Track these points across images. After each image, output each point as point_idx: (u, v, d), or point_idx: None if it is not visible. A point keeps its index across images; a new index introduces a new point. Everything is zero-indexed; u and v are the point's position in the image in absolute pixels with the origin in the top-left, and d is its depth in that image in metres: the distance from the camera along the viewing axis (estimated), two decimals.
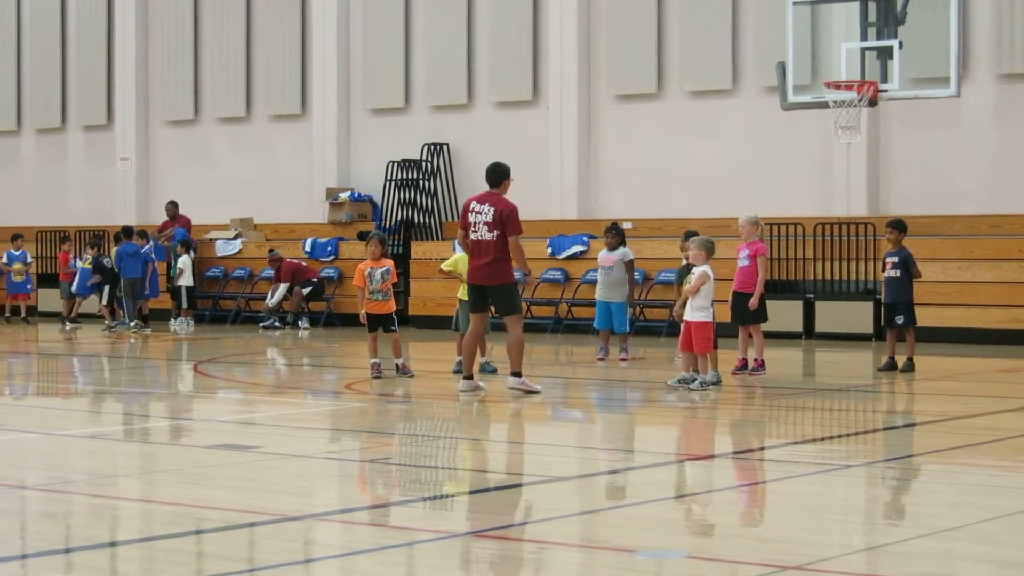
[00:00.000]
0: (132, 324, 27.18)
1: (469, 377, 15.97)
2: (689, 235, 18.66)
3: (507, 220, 15.48)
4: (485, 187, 15.88)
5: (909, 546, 8.25)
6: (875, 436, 13.57)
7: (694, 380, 16.00)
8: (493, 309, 16.10)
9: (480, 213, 15.60)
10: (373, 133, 30.55)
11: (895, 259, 18.48)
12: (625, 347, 20.15)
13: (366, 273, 17.27)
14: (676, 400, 15.64)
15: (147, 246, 28.56)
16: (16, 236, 31.61)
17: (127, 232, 28.53)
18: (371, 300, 17.31)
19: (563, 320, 26.08)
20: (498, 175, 15.81)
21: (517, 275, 16.08)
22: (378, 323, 17.46)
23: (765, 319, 17.89)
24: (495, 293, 15.70)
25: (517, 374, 15.77)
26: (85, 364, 22.33)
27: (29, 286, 31.32)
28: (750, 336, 17.84)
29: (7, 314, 31.04)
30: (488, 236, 15.52)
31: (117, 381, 19.63)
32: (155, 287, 28.52)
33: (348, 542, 8.64)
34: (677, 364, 19.37)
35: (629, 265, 20.21)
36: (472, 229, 15.63)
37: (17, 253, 31.12)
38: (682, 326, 16.42)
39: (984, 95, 24.65)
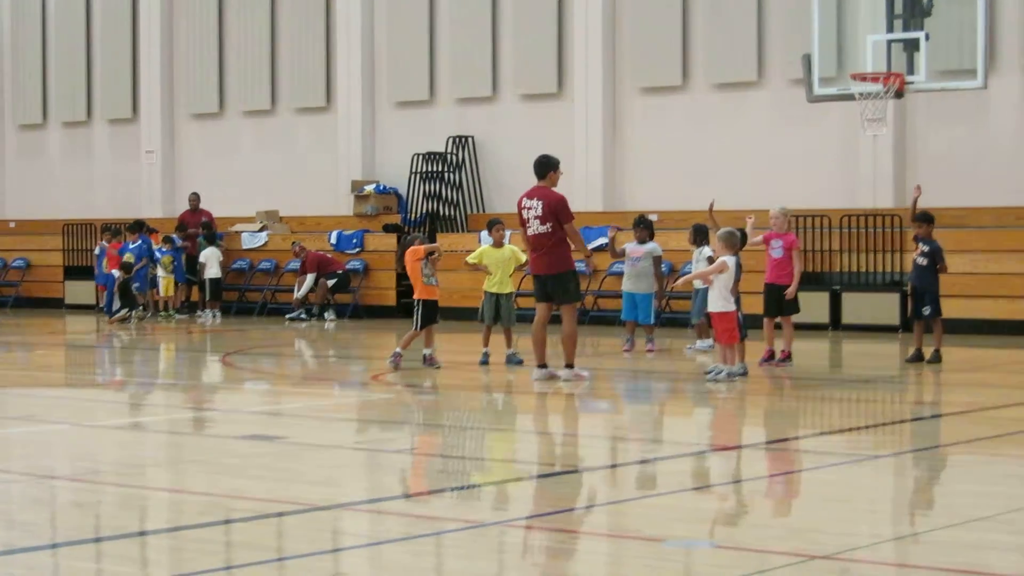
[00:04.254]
0: (118, 313, 27.41)
1: (543, 365, 16.29)
2: (698, 229, 18.72)
3: (557, 211, 15.98)
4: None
5: (938, 535, 8.25)
6: (903, 427, 13.56)
7: (721, 372, 16.00)
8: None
9: (530, 208, 16.11)
10: (398, 126, 30.56)
11: (926, 248, 18.34)
12: (651, 338, 20.16)
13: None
14: (703, 391, 15.64)
15: (162, 247, 28.81)
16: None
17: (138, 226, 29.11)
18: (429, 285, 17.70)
19: (589, 312, 26.05)
20: (543, 167, 16.39)
21: (579, 266, 16.28)
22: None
23: (798, 310, 17.92)
24: (553, 281, 16.07)
25: (570, 366, 16.26)
26: (114, 356, 22.40)
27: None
28: (777, 327, 17.83)
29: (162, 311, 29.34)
30: (541, 229, 16.02)
31: (145, 372, 19.69)
32: (143, 281, 28.30)
33: (377, 532, 8.67)
34: (689, 355, 19.46)
35: (657, 260, 20.22)
36: (527, 224, 16.07)
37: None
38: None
39: (1011, 86, 24.52)
